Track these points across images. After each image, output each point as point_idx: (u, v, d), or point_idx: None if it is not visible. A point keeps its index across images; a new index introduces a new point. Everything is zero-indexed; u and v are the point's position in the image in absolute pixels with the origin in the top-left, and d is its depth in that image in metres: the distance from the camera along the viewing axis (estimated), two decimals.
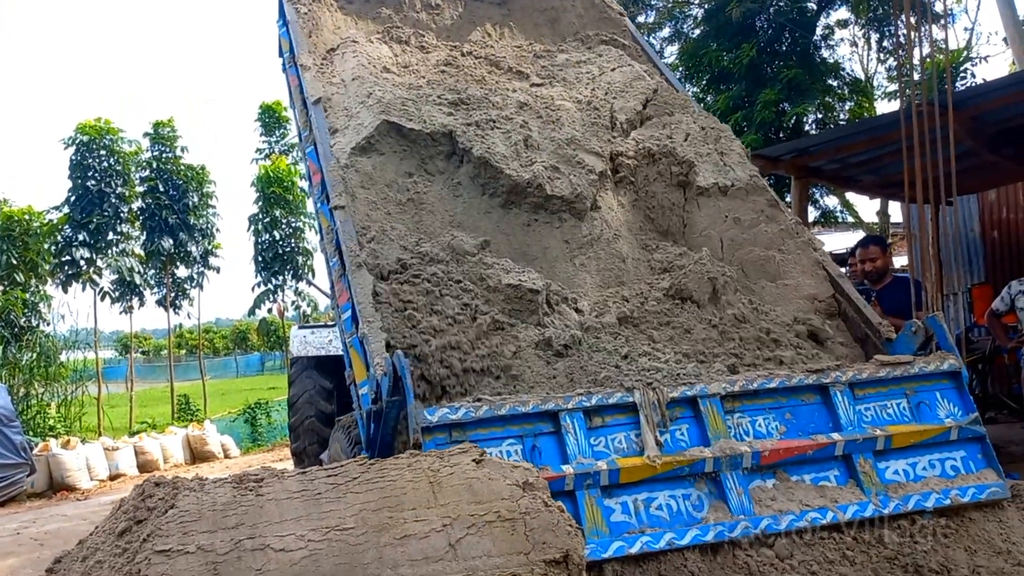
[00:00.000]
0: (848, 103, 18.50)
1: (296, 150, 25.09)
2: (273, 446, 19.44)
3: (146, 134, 22.97)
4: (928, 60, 5.88)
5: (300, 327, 11.46)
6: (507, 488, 2.94)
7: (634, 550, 3.40)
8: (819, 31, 18.01)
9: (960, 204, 13.11)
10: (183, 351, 53.84)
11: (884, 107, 21.37)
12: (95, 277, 21.63)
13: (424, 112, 5.21)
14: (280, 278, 24.21)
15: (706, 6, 18.72)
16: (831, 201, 19.69)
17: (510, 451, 3.55)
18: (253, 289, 24.65)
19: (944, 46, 10.29)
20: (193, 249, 23.15)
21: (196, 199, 23.11)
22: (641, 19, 20.00)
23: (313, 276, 23.61)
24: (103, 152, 21.60)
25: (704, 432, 3.78)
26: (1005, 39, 17.63)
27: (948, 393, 4.13)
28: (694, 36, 19.21)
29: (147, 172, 22.76)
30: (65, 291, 21.26)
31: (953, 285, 13.33)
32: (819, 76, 16.91)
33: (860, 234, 17.61)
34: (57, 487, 13.74)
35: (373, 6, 6.75)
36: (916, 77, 5.52)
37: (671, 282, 4.71)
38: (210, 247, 23.89)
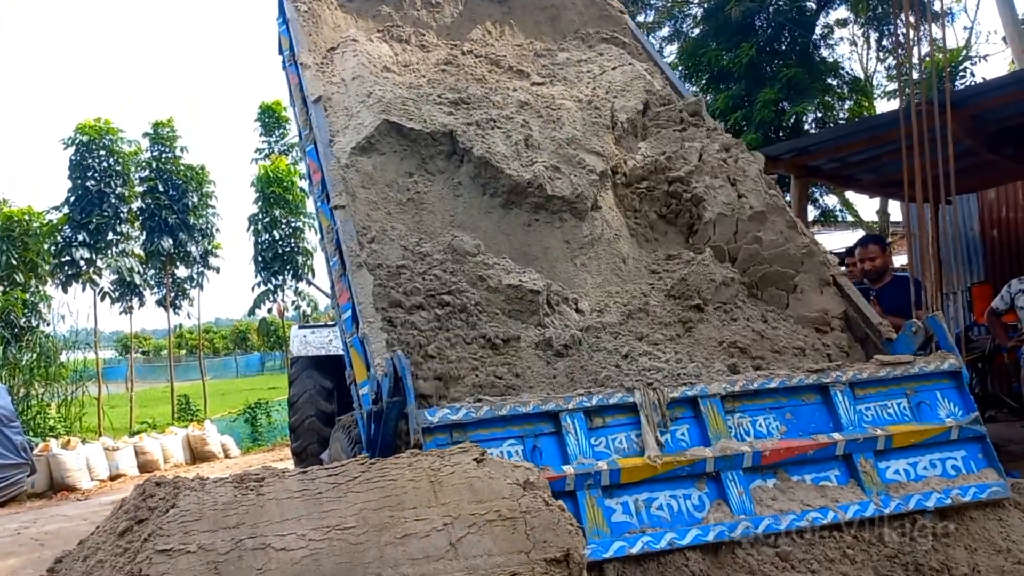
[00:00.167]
0: (847, 102, 18.50)
1: (296, 150, 25.10)
2: (273, 446, 19.43)
3: (146, 134, 22.96)
4: (927, 59, 5.88)
5: (300, 327, 11.47)
6: (508, 487, 2.95)
7: (635, 550, 3.40)
8: (818, 30, 18.02)
9: (960, 203, 13.11)
10: (183, 351, 53.82)
11: (883, 106, 21.40)
12: (95, 277, 21.61)
13: (424, 112, 5.21)
14: (280, 278, 24.19)
15: (705, 5, 18.72)
16: (831, 200, 19.71)
17: (511, 451, 3.56)
18: (253, 289, 24.66)
19: (943, 45, 10.28)
20: (193, 249, 23.14)
21: (196, 199, 23.09)
22: (640, 18, 20.00)
23: (313, 276, 23.62)
24: (103, 152, 21.58)
25: (705, 432, 3.78)
26: (1004, 38, 17.63)
27: (948, 393, 4.14)
28: (693, 35, 19.20)
29: (147, 172, 22.74)
30: (65, 291, 21.27)
31: (953, 284, 13.33)
32: (818, 75, 16.91)
33: (860, 233, 17.62)
34: (57, 487, 13.73)
35: (373, 4, 6.74)
36: (915, 76, 5.52)
37: (672, 282, 4.72)
38: (210, 247, 23.87)
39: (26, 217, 20.49)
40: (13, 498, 12.89)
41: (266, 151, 26.19)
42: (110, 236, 21.60)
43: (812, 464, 3.83)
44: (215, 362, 54.37)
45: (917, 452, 3.95)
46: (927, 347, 4.27)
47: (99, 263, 21.57)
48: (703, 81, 17.65)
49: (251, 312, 25.94)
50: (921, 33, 5.74)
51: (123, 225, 22.00)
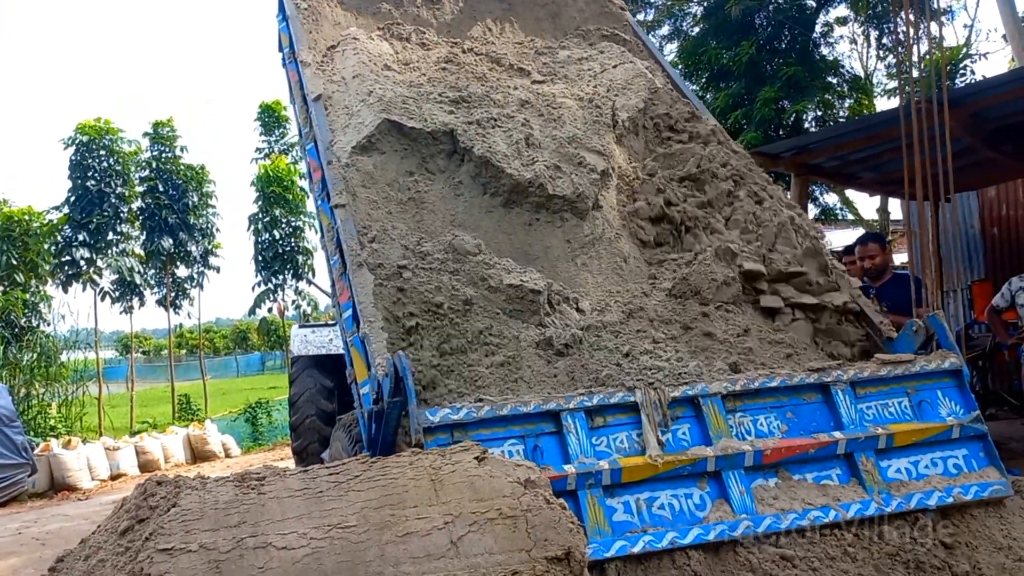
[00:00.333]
0: (847, 100, 18.50)
1: (296, 149, 25.10)
2: (274, 445, 19.44)
3: (146, 134, 22.94)
4: (927, 57, 5.88)
5: (300, 326, 11.50)
6: (509, 485, 2.95)
7: (636, 549, 3.40)
8: (818, 28, 18.02)
9: (960, 201, 13.12)
10: (183, 351, 53.83)
11: (883, 104, 21.41)
12: (95, 277, 21.60)
13: (425, 110, 5.20)
14: (280, 277, 24.19)
15: (705, 4, 18.72)
16: (831, 198, 19.71)
17: (512, 451, 3.56)
18: (253, 289, 24.66)
19: (943, 43, 10.29)
20: (193, 249, 23.13)
21: (196, 199, 23.07)
22: (640, 16, 19.98)
23: (313, 275, 23.61)
24: (103, 152, 21.56)
25: (706, 431, 3.78)
26: (1004, 36, 17.62)
27: (949, 391, 4.13)
28: (693, 34, 19.20)
29: (147, 172, 22.72)
30: (65, 291, 21.25)
31: (953, 282, 13.34)
32: (818, 73, 16.91)
33: (860, 231, 17.62)
34: (58, 487, 13.74)
35: (373, 1, 6.73)
36: (915, 74, 5.52)
37: (674, 281, 4.71)
38: (210, 247, 23.86)
39: (26, 217, 20.48)
40: (14, 498, 12.91)
41: (266, 150, 26.19)
42: (110, 236, 21.59)
43: (813, 463, 3.83)
44: (215, 362, 54.39)
45: (918, 451, 3.95)
46: (928, 346, 4.27)
47: (99, 263, 21.56)
48: (703, 79, 17.65)
49: (251, 312, 25.95)
50: (921, 31, 5.74)
51: (123, 225, 21.99)
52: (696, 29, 19.28)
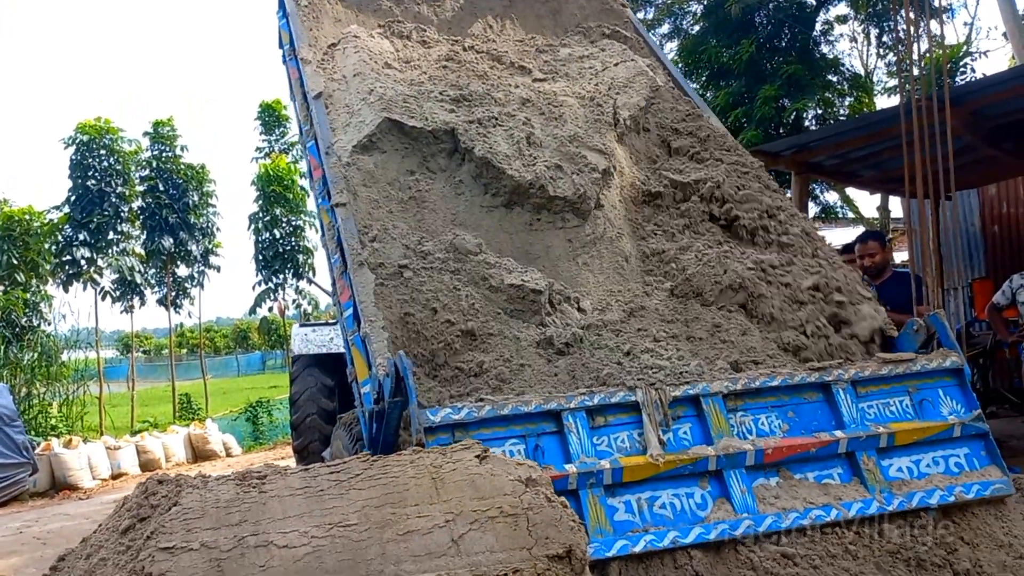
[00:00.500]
0: (848, 98, 18.50)
1: (296, 148, 25.12)
2: (275, 444, 19.47)
3: (146, 133, 22.98)
4: (927, 55, 5.88)
5: (301, 325, 11.51)
6: (509, 484, 2.95)
7: (638, 549, 3.40)
8: (818, 27, 18.01)
9: (960, 199, 13.12)
10: (184, 350, 53.92)
11: (884, 102, 21.39)
12: (96, 276, 21.64)
13: (426, 109, 5.19)
14: (281, 277, 24.23)
15: (705, 2, 18.70)
16: (831, 197, 19.70)
17: (513, 451, 3.56)
18: (254, 288, 24.72)
19: (943, 41, 10.28)
20: (193, 248, 23.16)
21: (196, 198, 23.11)
22: (641, 15, 19.95)
23: (314, 274, 23.64)
24: (103, 152, 21.60)
25: (707, 431, 3.78)
26: (1004, 34, 17.61)
27: (951, 390, 4.12)
28: (693, 32, 19.19)
29: (147, 171, 22.77)
30: (66, 291, 21.31)
31: (954, 280, 13.34)
32: (819, 72, 16.91)
33: (860, 229, 17.61)
34: (59, 486, 13.76)
35: None
36: (916, 72, 5.52)
37: (676, 280, 4.69)
38: (210, 246, 23.89)
39: (27, 217, 20.52)
40: (15, 497, 12.93)
41: (266, 150, 26.23)
42: (111, 235, 21.63)
43: (815, 462, 3.82)
44: (216, 361, 54.46)
45: (920, 450, 3.94)
46: (929, 345, 4.27)
47: (100, 262, 21.60)
48: (703, 78, 17.65)
49: (252, 311, 25.99)
50: (921, 29, 5.73)
51: (124, 224, 22.03)
52: (696, 27, 19.27)
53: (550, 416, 3.68)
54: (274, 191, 23.74)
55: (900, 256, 15.90)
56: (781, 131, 15.83)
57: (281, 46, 6.42)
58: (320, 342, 10.23)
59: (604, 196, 5.00)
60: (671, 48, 19.47)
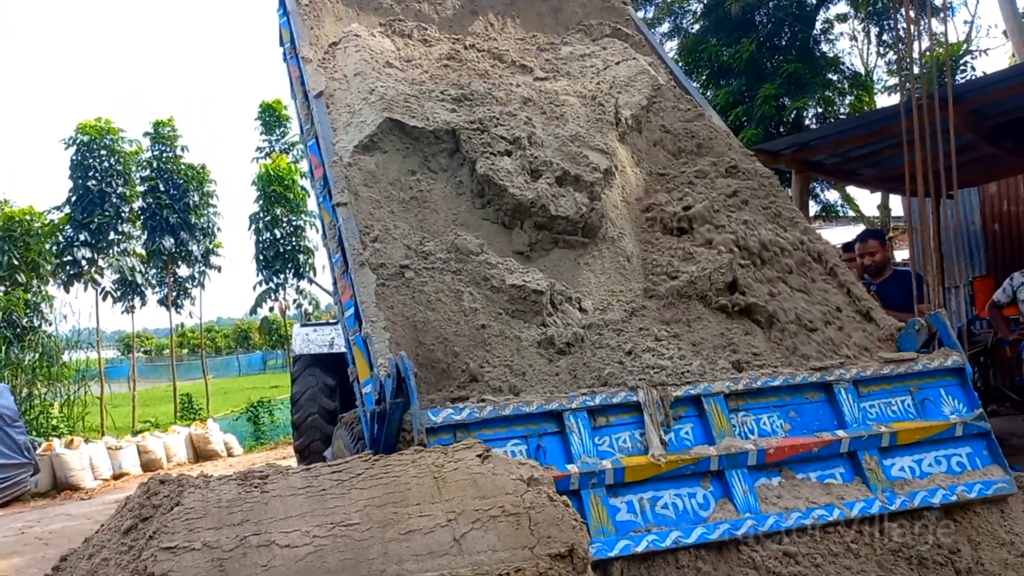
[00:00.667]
0: (848, 97, 18.50)
1: (296, 148, 25.12)
2: (276, 444, 19.47)
3: (146, 134, 22.98)
4: (928, 54, 5.88)
5: (302, 325, 11.52)
6: (511, 483, 2.95)
7: (640, 549, 3.39)
8: (819, 25, 18.02)
9: (961, 197, 13.12)
10: (185, 350, 53.96)
11: (884, 101, 21.42)
12: (96, 277, 21.65)
13: (427, 109, 5.17)
14: (281, 276, 24.23)
15: (705, 1, 18.70)
16: (832, 195, 19.68)
17: (515, 451, 3.55)
18: (254, 288, 24.71)
19: (944, 39, 10.29)
20: (194, 248, 23.16)
21: (197, 198, 23.12)
22: (641, 14, 19.94)
23: (314, 274, 23.62)
24: (104, 152, 21.60)
25: (709, 431, 3.77)
26: (1005, 32, 17.60)
27: (952, 390, 4.12)
28: (693, 31, 19.19)
29: (148, 172, 22.76)
30: (67, 291, 21.32)
31: (955, 278, 13.35)
32: (819, 70, 16.91)
33: (861, 228, 17.61)
34: (61, 487, 13.77)
35: None
36: (916, 71, 5.52)
37: (677, 280, 4.68)
38: (211, 246, 23.89)
39: (27, 217, 20.51)
40: (17, 498, 12.94)
41: (267, 149, 26.23)
42: (111, 236, 21.64)
43: (817, 462, 3.82)
44: (217, 361, 54.49)
45: (922, 449, 3.93)
46: (930, 344, 4.26)
47: (101, 263, 21.62)
48: (703, 77, 17.65)
49: (253, 311, 25.99)
50: (921, 28, 5.74)
51: (124, 224, 22.03)
52: (696, 26, 19.27)
53: (552, 416, 3.68)
54: (275, 191, 23.74)
55: (901, 254, 15.89)
56: (781, 130, 15.83)
57: (282, 44, 6.42)
58: (321, 342, 10.24)
59: (605, 196, 4.98)
60: (671, 47, 19.47)
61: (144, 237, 22.57)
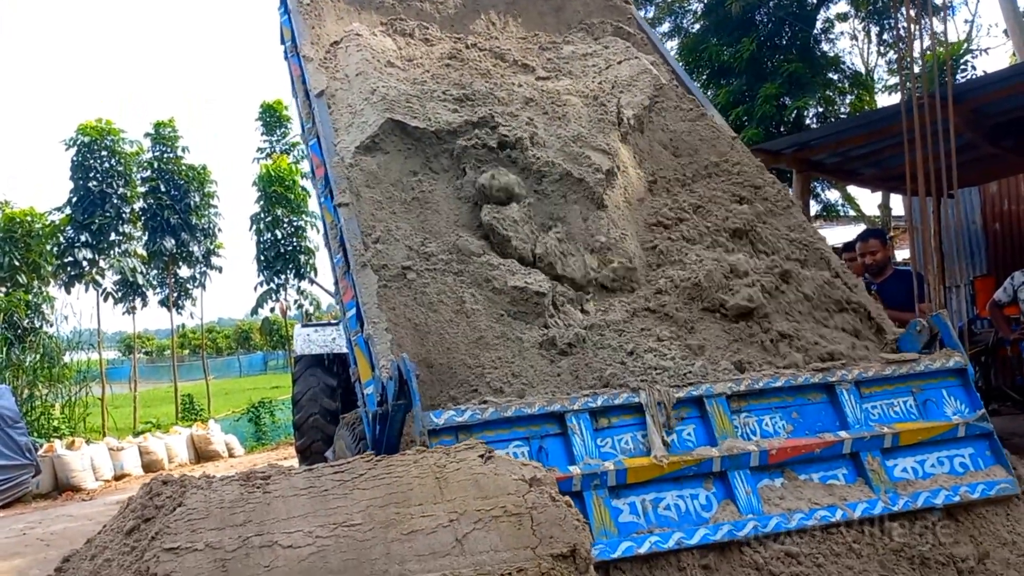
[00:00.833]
0: (849, 96, 18.53)
1: (297, 149, 25.12)
2: (277, 445, 19.48)
3: (147, 134, 22.97)
4: (928, 53, 5.88)
5: (303, 325, 11.51)
6: (513, 483, 2.96)
7: (643, 550, 3.39)
8: (819, 25, 18.05)
9: (962, 196, 13.13)
10: (186, 351, 53.97)
11: (885, 100, 21.42)
12: (97, 278, 21.65)
13: (429, 109, 5.16)
14: (282, 277, 24.22)
15: (705, 1, 18.71)
16: (833, 195, 19.70)
17: (517, 453, 3.55)
18: (255, 288, 24.68)
19: (944, 39, 10.28)
20: (195, 249, 23.16)
21: (198, 199, 23.11)
22: (641, 14, 19.91)
23: (315, 275, 23.62)
24: (104, 153, 21.59)
25: (711, 432, 3.77)
26: (1005, 31, 17.59)
27: (955, 390, 4.12)
28: (694, 31, 19.22)
29: (148, 172, 22.75)
30: (68, 292, 21.30)
31: (956, 277, 13.35)
32: (819, 70, 16.93)
33: (862, 227, 17.61)
34: (62, 488, 13.78)
35: None
36: (916, 70, 5.52)
37: (679, 280, 4.67)
38: (212, 247, 23.89)
39: (28, 218, 20.50)
40: (18, 499, 12.94)
41: (268, 150, 26.22)
42: (112, 236, 21.63)
43: (819, 463, 3.81)
44: (218, 362, 54.47)
45: (924, 450, 3.93)
46: (932, 345, 4.26)
47: (102, 263, 21.61)
48: (704, 76, 17.67)
49: (254, 311, 25.96)
50: (922, 27, 5.74)
51: (125, 225, 22.02)
52: (697, 26, 19.30)
53: (554, 418, 3.68)
54: (275, 192, 23.73)
55: (902, 254, 15.89)
56: (782, 129, 15.85)
57: (283, 42, 6.41)
58: (322, 342, 10.24)
59: (607, 196, 4.97)
60: (672, 47, 19.49)
61: (145, 238, 22.56)
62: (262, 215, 23.99)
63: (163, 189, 22.43)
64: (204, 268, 24.01)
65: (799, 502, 3.65)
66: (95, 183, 21.23)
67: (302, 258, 24.18)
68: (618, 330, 4.31)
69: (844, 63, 18.95)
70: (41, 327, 19.88)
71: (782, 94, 15.98)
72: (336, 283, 4.96)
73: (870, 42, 22.32)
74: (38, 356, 18.63)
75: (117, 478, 14.84)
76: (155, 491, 3.02)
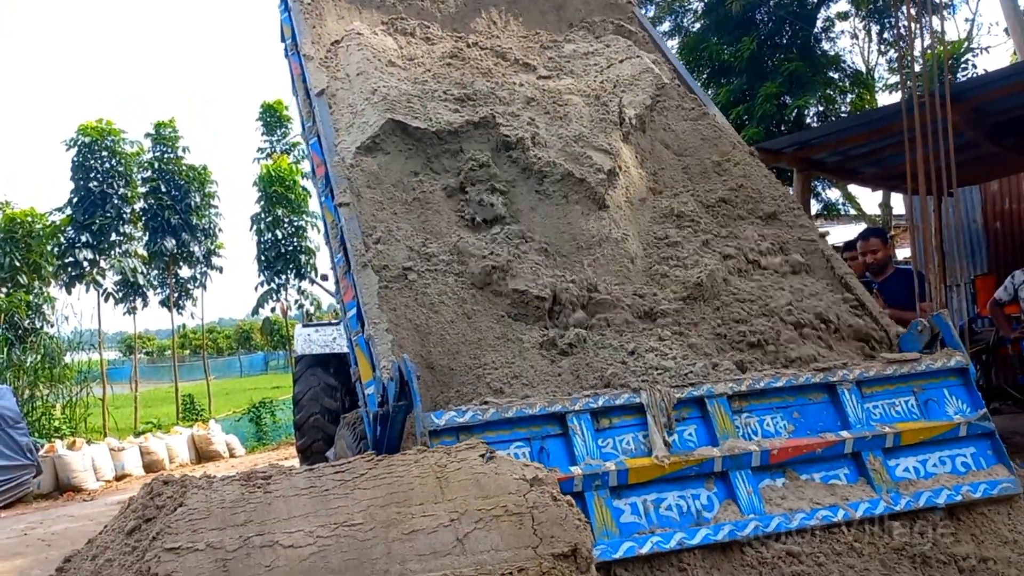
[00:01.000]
0: (849, 95, 18.52)
1: (298, 149, 25.11)
2: (278, 445, 19.48)
3: (147, 135, 22.97)
4: (928, 51, 5.88)
5: (304, 325, 11.52)
6: (514, 483, 2.96)
7: (644, 550, 3.39)
8: (819, 23, 18.04)
9: (962, 195, 13.12)
10: (187, 351, 53.96)
11: (885, 99, 21.39)
12: (98, 278, 21.64)
13: (430, 109, 5.14)
14: (283, 277, 24.21)
15: (706, 0, 18.71)
16: (833, 194, 19.69)
17: (518, 453, 3.55)
18: (256, 288, 24.68)
19: (944, 37, 10.29)
20: (196, 249, 23.15)
21: (198, 199, 23.10)
22: (642, 13, 19.91)
23: (316, 275, 23.59)
24: (105, 153, 21.57)
25: (712, 432, 3.77)
26: (1006, 29, 17.58)
27: (956, 390, 4.12)
28: (694, 30, 19.21)
29: (149, 173, 22.74)
30: (68, 292, 21.29)
31: (956, 276, 13.34)
32: (820, 69, 16.93)
33: (863, 226, 17.60)
34: (63, 488, 13.78)
35: None
36: (917, 69, 5.52)
37: (681, 280, 4.66)
38: (213, 247, 23.88)
39: (29, 219, 20.50)
40: (19, 499, 12.94)
41: (268, 150, 26.22)
42: (113, 237, 21.61)
43: (821, 463, 3.81)
44: (219, 362, 54.46)
45: (926, 449, 3.93)
46: (933, 345, 4.26)
47: (102, 264, 21.60)
48: (704, 75, 17.65)
49: (254, 311, 25.96)
50: (922, 25, 5.73)
51: (126, 226, 22.00)
52: (697, 25, 19.29)
53: (555, 419, 3.68)
54: (276, 192, 23.72)
55: (902, 253, 15.88)
56: (782, 128, 15.85)
57: (283, 39, 6.39)
58: (323, 342, 10.25)
59: (609, 196, 4.95)
60: (672, 46, 19.47)
61: (146, 238, 22.54)
62: (262, 215, 23.98)
63: (164, 189, 22.42)
64: (205, 268, 24.00)
65: (801, 502, 3.65)
66: (96, 183, 21.22)
67: (303, 258, 24.17)
68: (619, 330, 4.31)
69: (844, 62, 18.96)
70: (42, 327, 19.88)
71: (782, 93, 15.97)
72: (336, 282, 4.95)
73: (870, 41, 22.33)
74: (39, 356, 18.63)
75: (118, 478, 14.84)
76: (156, 491, 3.02)
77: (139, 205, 22.53)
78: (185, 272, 23.89)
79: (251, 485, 2.91)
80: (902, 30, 6.38)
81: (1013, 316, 8.63)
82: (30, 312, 19.58)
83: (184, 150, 23.22)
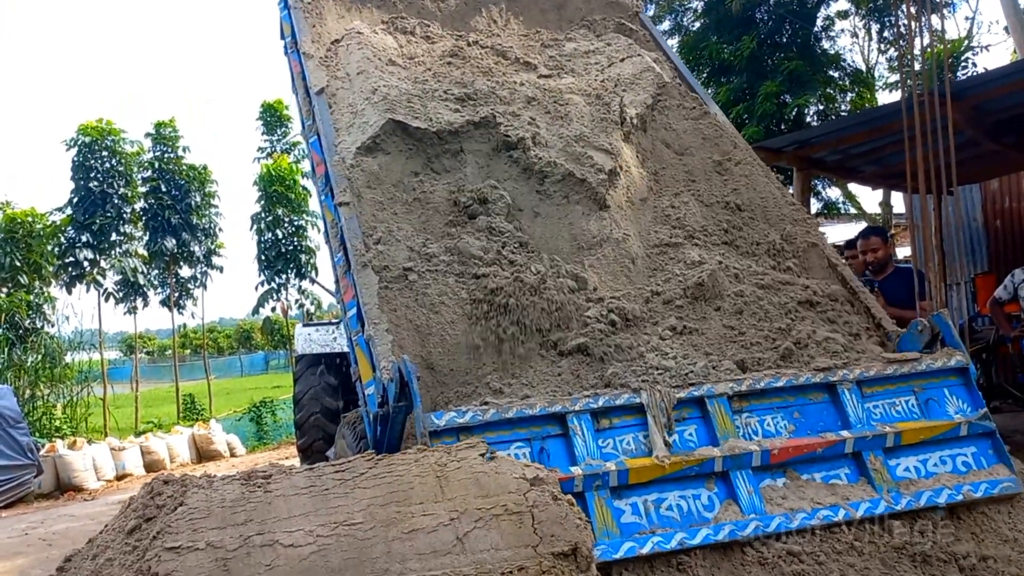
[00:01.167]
0: (849, 94, 18.53)
1: (298, 148, 25.10)
2: (279, 444, 19.48)
3: (148, 134, 22.96)
4: (928, 50, 5.87)
5: (304, 325, 11.52)
6: (514, 482, 2.96)
7: (645, 550, 3.38)
8: (819, 22, 18.06)
9: (963, 193, 13.12)
10: (187, 351, 53.96)
11: (885, 98, 21.38)
12: (99, 278, 21.63)
13: (430, 109, 5.12)
14: (283, 276, 24.20)
15: None
16: (833, 193, 19.71)
17: (518, 454, 3.55)
18: (256, 288, 24.68)
19: (944, 36, 10.29)
20: (196, 249, 23.14)
21: (198, 199, 23.09)
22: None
23: (316, 274, 23.61)
24: (105, 153, 21.57)
25: (713, 432, 3.77)
26: (1006, 28, 17.58)
27: (956, 389, 4.11)
28: (694, 29, 19.22)
29: (149, 172, 22.73)
30: (69, 292, 21.28)
31: (956, 275, 13.34)
32: (820, 67, 16.94)
33: (863, 225, 17.60)
34: (64, 488, 13.78)
35: None
36: (917, 67, 5.52)
37: (682, 281, 4.66)
38: (213, 246, 23.87)
39: (29, 219, 20.49)
40: (20, 499, 12.95)
41: (268, 150, 26.21)
42: (113, 237, 21.60)
43: (822, 462, 3.81)
44: (219, 361, 54.45)
45: (927, 449, 3.92)
46: (933, 344, 4.26)
47: (103, 264, 21.60)
48: (704, 74, 17.66)
49: (255, 311, 25.95)
50: (922, 24, 5.73)
51: (126, 225, 21.99)
52: (697, 24, 19.30)
53: (555, 419, 3.68)
54: (276, 191, 23.70)
55: (902, 251, 15.88)
56: (782, 127, 15.86)
57: (283, 37, 6.37)
58: (323, 341, 10.25)
59: (610, 196, 4.94)
60: (672, 45, 19.46)
61: (146, 238, 22.53)
62: (263, 215, 23.97)
63: (164, 189, 22.41)
64: (205, 268, 24.00)
65: (801, 502, 3.64)
66: (96, 183, 21.21)
67: (303, 258, 24.16)
68: (619, 330, 4.30)
69: (844, 60, 18.98)
70: (42, 327, 19.89)
71: (782, 92, 15.98)
72: (336, 282, 4.95)
73: (870, 39, 22.31)
74: (40, 356, 18.65)
75: (119, 478, 14.85)
76: (156, 491, 3.02)
77: (139, 205, 22.52)
78: (185, 272, 23.90)
79: (251, 484, 2.92)
80: (902, 28, 6.39)
81: (1013, 315, 8.63)
82: (31, 312, 19.58)
83: (184, 150, 23.22)
